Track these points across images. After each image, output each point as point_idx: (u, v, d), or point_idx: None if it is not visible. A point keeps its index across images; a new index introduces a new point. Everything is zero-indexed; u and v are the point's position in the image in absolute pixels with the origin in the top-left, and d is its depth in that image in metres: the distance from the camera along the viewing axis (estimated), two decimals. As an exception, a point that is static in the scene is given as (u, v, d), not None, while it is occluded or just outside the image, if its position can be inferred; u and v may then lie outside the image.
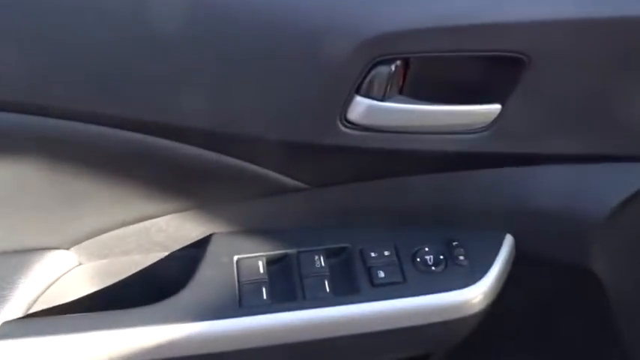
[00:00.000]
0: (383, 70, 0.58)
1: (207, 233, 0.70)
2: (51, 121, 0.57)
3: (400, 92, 0.60)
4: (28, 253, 0.67)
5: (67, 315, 0.64)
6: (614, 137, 0.66)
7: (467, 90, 0.61)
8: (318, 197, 0.69)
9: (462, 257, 0.68)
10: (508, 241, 0.71)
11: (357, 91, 0.59)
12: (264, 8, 0.56)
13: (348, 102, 0.59)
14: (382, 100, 0.59)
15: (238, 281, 0.65)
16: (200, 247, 0.69)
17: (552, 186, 0.69)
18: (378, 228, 0.70)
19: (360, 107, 0.59)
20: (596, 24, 0.59)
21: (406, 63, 0.59)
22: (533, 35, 0.59)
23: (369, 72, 0.58)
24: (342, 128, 0.61)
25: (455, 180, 0.68)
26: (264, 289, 0.65)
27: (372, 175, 0.68)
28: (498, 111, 0.62)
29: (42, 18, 0.54)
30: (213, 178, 0.65)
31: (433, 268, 0.68)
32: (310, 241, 0.69)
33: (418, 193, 0.70)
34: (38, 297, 0.66)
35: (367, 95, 0.59)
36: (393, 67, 0.58)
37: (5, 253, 0.66)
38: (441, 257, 0.68)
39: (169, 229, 0.69)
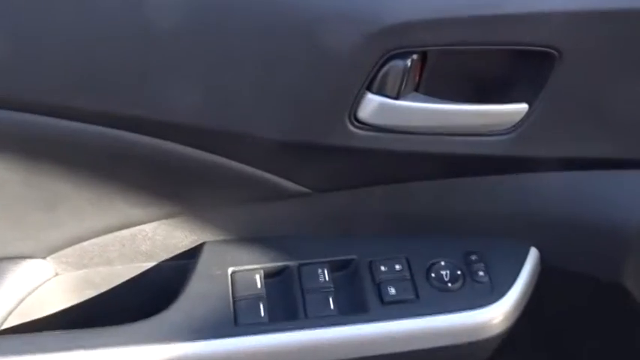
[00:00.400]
0: (397, 64, 0.57)
1: (199, 242, 0.70)
2: (26, 117, 0.57)
3: (416, 89, 0.60)
4: (0, 262, 0.67)
5: (43, 332, 0.63)
6: None
7: (490, 88, 0.61)
8: (322, 203, 0.68)
9: (481, 273, 0.68)
10: (532, 254, 0.70)
11: (369, 88, 0.58)
12: None
13: (358, 99, 0.58)
14: (396, 97, 0.59)
15: (233, 296, 0.65)
16: (190, 257, 0.69)
17: (583, 194, 0.68)
18: (389, 238, 0.70)
19: (372, 105, 0.59)
20: (635, 16, 0.59)
21: (423, 57, 0.59)
22: (564, 27, 0.58)
23: (381, 66, 0.57)
24: (351, 128, 0.60)
25: (474, 186, 0.68)
26: (261, 306, 0.64)
27: (383, 180, 0.68)
28: (525, 111, 0.61)
29: (20, 6, 0.54)
30: (206, 180, 0.65)
31: (449, 284, 0.67)
32: (313, 252, 0.69)
33: (433, 200, 0.70)
34: (11, 311, 0.66)
35: (379, 92, 0.58)
36: (408, 62, 0.57)
37: (-26, 262, 0.66)
38: (459, 272, 0.68)
39: (156, 237, 0.69)
